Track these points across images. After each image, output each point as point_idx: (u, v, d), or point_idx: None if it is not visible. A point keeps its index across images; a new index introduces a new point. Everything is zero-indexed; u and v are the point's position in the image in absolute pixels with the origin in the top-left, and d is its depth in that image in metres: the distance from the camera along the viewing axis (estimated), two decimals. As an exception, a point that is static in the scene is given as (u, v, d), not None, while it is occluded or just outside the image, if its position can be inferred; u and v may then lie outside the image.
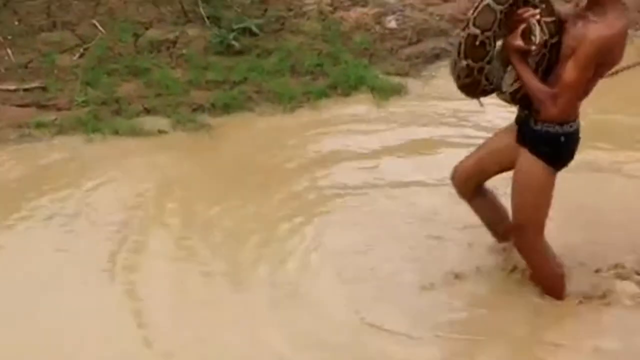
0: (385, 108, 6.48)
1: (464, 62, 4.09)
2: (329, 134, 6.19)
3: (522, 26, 4.01)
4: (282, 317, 4.52)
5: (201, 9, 7.30)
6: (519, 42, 4.01)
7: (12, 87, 6.55)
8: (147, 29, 7.25)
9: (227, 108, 6.45)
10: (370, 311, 4.52)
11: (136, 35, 7.15)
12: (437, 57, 7.21)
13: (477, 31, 4.04)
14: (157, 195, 5.53)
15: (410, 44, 7.37)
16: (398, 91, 6.70)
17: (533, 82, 4.02)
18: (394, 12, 7.64)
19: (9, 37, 7.06)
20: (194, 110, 6.43)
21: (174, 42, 7.16)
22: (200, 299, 4.67)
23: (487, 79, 4.15)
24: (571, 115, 4.12)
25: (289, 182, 5.65)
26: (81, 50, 6.98)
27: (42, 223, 5.21)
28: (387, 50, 7.27)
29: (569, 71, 3.98)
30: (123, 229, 5.16)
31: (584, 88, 4.06)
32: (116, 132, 6.08)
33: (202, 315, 4.53)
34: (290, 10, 7.64)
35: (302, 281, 4.79)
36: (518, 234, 4.34)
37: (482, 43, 4.06)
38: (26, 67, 6.79)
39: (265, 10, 7.57)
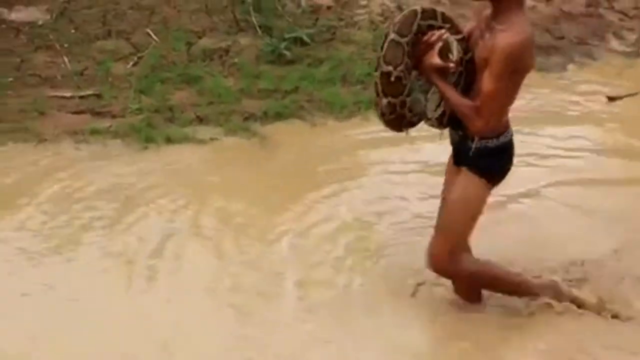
0: None
1: (384, 100, 4.06)
2: (379, 144, 6.13)
3: (439, 45, 3.99)
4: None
5: (253, 19, 7.33)
6: (438, 61, 3.99)
7: (68, 94, 6.60)
8: (199, 37, 7.29)
9: (278, 117, 6.46)
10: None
11: (189, 44, 7.20)
12: None
13: (390, 68, 4.01)
14: (207, 202, 5.53)
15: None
16: None
17: (455, 99, 3.99)
18: None
19: (66, 45, 7.15)
20: (246, 118, 6.44)
21: (226, 51, 7.18)
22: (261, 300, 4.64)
23: (410, 111, 4.12)
24: (503, 125, 4.10)
25: (340, 190, 5.63)
26: (135, 58, 7.04)
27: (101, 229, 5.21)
28: None
29: (486, 82, 3.96)
30: (176, 235, 5.16)
31: (504, 96, 4.03)
32: (169, 140, 6.12)
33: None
34: (341, 20, 7.64)
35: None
36: (450, 257, 4.19)
37: (398, 78, 4.04)
38: (82, 74, 6.85)
39: (317, 20, 7.58)
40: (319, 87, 6.81)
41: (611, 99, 6.76)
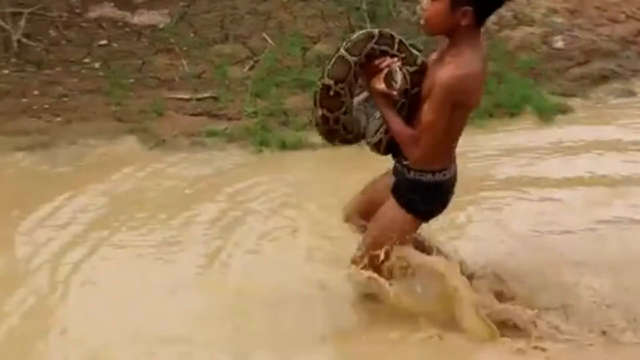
0: (551, 129, 6.42)
1: (319, 112, 3.99)
2: (494, 155, 6.12)
3: (385, 71, 3.88)
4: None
5: (367, 25, 7.32)
6: (381, 86, 3.89)
7: (186, 97, 6.73)
8: (314, 43, 7.34)
9: None
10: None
11: (304, 49, 7.25)
12: (605, 78, 7.14)
13: (331, 82, 3.93)
14: (322, 206, 5.49)
15: (577, 64, 7.33)
16: (564, 112, 6.64)
17: (396, 124, 3.90)
18: (561, 32, 7.61)
19: (185, 49, 7.29)
20: None
21: None
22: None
23: (344, 129, 4.05)
24: (441, 163, 3.99)
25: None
26: (251, 62, 7.12)
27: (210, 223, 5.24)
28: (553, 70, 7.22)
29: (426, 113, 3.84)
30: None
31: (443, 130, 3.88)
32: (283, 144, 6.18)
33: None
34: None
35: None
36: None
37: (337, 93, 3.96)
38: (199, 77, 6.98)
39: None
40: None
41: None
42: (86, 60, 7.19)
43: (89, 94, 6.80)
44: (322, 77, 3.94)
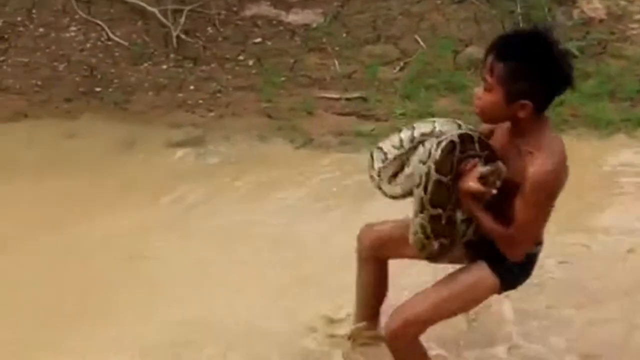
0: None
1: (436, 244, 3.65)
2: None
3: (474, 172, 3.51)
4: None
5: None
6: (476, 186, 3.52)
7: (336, 96, 6.80)
8: (466, 46, 7.32)
9: None
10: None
11: (455, 52, 7.25)
12: None
13: (439, 211, 3.58)
14: None
15: None
16: None
17: (489, 224, 3.58)
18: None
19: (337, 48, 7.35)
20: None
21: None
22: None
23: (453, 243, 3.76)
24: (540, 237, 3.71)
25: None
26: (402, 63, 7.15)
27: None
28: None
29: (521, 212, 3.51)
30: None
31: (542, 220, 3.60)
32: None
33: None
34: (612, 33, 7.55)
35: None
36: (402, 328, 3.76)
37: (449, 219, 3.61)
38: (349, 77, 7.02)
39: (587, 32, 7.49)
40: (586, 101, 6.68)
41: None
42: (240, 57, 7.33)
43: (242, 90, 6.95)
44: (423, 208, 3.61)
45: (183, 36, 7.45)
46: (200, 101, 6.83)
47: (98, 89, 6.94)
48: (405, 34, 7.50)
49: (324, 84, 7.03)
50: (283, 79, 7.08)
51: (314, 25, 7.68)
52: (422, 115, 6.45)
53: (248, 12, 7.76)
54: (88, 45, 7.41)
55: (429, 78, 7.01)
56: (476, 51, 7.14)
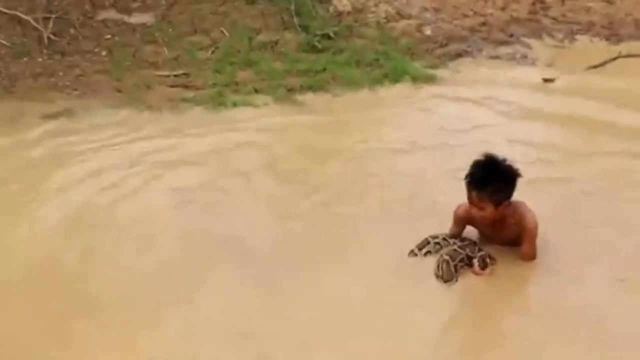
0: (424, 90, 7.52)
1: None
2: (381, 109, 7.24)
3: (475, 268, 5.05)
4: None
5: (295, 20, 8.43)
6: (480, 273, 5.09)
7: (167, 74, 7.74)
8: (257, 34, 8.39)
9: (311, 89, 7.58)
10: None
11: (250, 38, 8.33)
12: (459, 55, 8.12)
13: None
14: (265, 144, 6.62)
15: (440, 46, 8.25)
16: (432, 79, 7.70)
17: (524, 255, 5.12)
18: (429, 24, 8.48)
19: (166, 40, 8.13)
20: (289, 90, 7.53)
21: (276, 43, 8.23)
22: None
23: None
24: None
25: (351, 144, 6.67)
26: (213, 48, 8.17)
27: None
28: (424, 50, 8.19)
29: (529, 247, 5.12)
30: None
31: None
32: (234, 104, 7.30)
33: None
34: (356, 21, 8.57)
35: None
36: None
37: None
38: (176, 59, 8.02)
39: (339, 21, 8.53)
40: (340, 68, 7.78)
41: (546, 80, 7.64)
42: (96, 49, 8.04)
43: (98, 74, 7.71)
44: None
45: (52, 37, 8.12)
46: (68, 83, 7.65)
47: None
48: (214, 27, 8.44)
49: (158, 66, 7.92)
50: (128, 63, 7.94)
51: (149, 24, 8.45)
52: (228, 85, 7.43)
53: (100, 17, 8.42)
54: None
55: (232, 57, 8.03)
56: (265, 37, 8.30)
